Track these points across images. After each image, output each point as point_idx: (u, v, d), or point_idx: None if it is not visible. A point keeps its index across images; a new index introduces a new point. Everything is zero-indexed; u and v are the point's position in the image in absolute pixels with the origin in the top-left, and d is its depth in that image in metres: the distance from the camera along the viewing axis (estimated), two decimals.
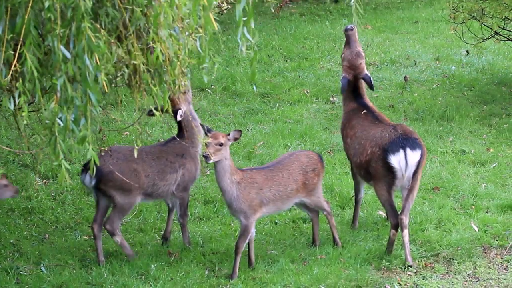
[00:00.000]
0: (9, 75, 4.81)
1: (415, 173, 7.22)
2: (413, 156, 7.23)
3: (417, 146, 7.27)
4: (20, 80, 4.82)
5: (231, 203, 7.10)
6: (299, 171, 7.36)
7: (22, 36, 4.71)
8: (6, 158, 9.14)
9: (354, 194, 8.10)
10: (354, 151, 7.66)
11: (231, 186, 7.04)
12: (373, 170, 7.39)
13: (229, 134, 7.01)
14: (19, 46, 4.78)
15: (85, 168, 7.26)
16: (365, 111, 7.76)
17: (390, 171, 7.26)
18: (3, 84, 4.88)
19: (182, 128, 7.60)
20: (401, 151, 7.23)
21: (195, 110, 10.56)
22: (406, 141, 7.28)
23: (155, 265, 7.21)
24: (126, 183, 7.12)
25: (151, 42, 5.16)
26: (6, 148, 5.95)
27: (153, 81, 5.43)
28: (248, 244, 7.22)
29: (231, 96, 11.52)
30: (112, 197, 7.24)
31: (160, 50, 5.14)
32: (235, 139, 7.04)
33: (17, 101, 4.85)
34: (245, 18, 4.94)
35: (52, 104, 4.83)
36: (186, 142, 7.53)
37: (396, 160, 7.23)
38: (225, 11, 5.70)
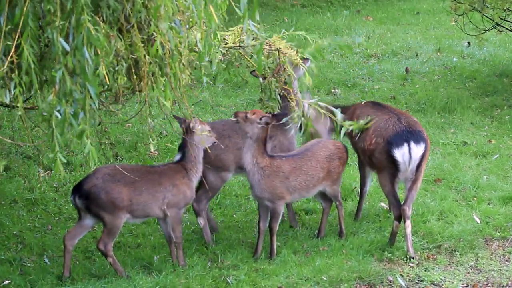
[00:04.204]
0: (5, 66, 4.80)
1: (418, 165, 7.21)
2: (417, 150, 7.21)
3: (421, 139, 7.25)
4: (16, 72, 4.81)
5: (252, 186, 7.18)
6: (326, 159, 7.39)
7: (20, 27, 4.70)
8: (9, 150, 9.15)
9: (359, 186, 8.09)
10: (360, 136, 7.62)
11: (252, 168, 7.09)
12: (376, 160, 7.40)
13: (262, 118, 7.05)
14: (16, 38, 4.77)
15: None
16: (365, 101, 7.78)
17: (393, 163, 7.26)
18: (1, 75, 4.88)
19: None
20: (405, 144, 7.21)
21: (196, 102, 10.61)
22: (410, 134, 7.25)
23: (158, 256, 7.23)
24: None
25: (154, 33, 5.15)
26: (9, 140, 5.94)
27: (159, 73, 5.42)
28: (258, 234, 7.27)
29: (233, 88, 11.53)
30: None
31: (161, 43, 5.14)
32: (267, 123, 7.05)
33: (12, 92, 4.84)
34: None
35: (50, 96, 4.83)
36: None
37: (400, 153, 7.21)
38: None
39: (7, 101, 4.90)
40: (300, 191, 7.30)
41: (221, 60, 5.73)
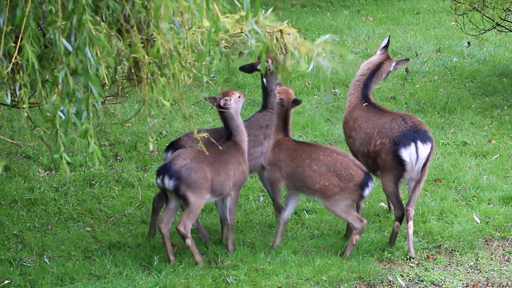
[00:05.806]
0: (9, 68, 4.80)
1: (424, 165, 7.19)
2: (424, 149, 7.17)
3: (427, 139, 7.22)
4: (20, 73, 4.81)
5: None
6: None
7: (22, 28, 4.70)
8: (9, 150, 9.15)
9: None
10: (360, 141, 7.59)
11: None
12: (381, 161, 7.34)
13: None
14: (19, 39, 4.77)
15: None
16: (366, 103, 7.72)
17: (400, 164, 7.22)
18: (3, 76, 4.88)
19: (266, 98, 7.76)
20: (413, 144, 7.16)
21: (196, 102, 10.61)
22: (417, 134, 7.20)
23: (158, 256, 7.23)
24: None
25: (154, 33, 5.14)
26: (9, 140, 5.94)
27: (158, 73, 5.41)
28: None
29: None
30: None
31: (161, 43, 5.13)
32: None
33: (18, 94, 4.85)
34: None
35: (54, 96, 4.83)
36: (271, 112, 7.72)
37: (407, 153, 7.16)
38: None
39: (8, 101, 4.90)
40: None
41: (223, 47, 5.68)
